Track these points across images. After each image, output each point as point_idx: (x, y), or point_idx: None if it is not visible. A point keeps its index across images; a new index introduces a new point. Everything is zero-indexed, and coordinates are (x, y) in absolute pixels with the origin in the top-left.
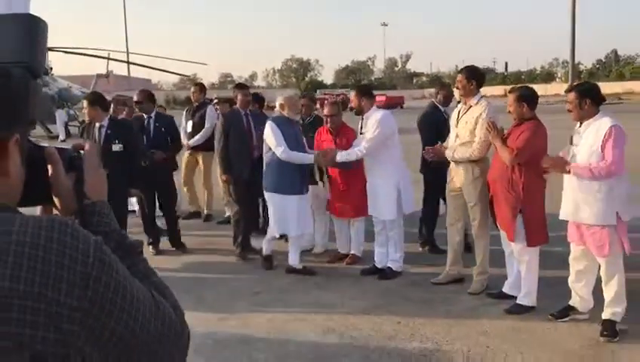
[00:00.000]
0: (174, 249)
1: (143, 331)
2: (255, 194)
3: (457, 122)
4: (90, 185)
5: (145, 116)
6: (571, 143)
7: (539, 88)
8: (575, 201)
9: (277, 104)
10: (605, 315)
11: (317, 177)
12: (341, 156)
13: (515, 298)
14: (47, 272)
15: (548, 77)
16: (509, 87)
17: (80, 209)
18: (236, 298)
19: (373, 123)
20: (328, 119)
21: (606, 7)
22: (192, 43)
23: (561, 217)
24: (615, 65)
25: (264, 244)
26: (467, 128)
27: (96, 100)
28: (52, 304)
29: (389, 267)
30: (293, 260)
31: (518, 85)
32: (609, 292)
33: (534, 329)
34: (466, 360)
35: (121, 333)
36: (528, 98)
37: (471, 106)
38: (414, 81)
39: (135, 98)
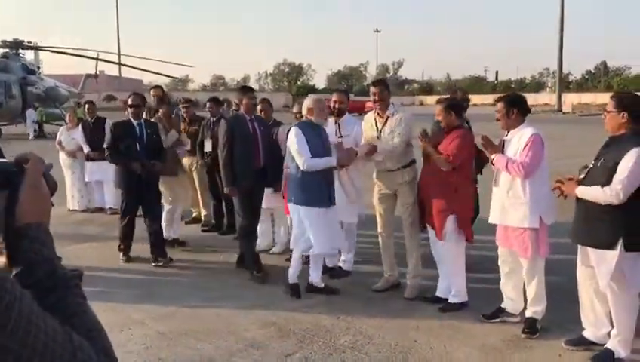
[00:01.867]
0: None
1: None
2: (256, 207)
3: (380, 133)
4: (26, 205)
5: (134, 122)
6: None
7: (528, 97)
8: (502, 206)
9: (304, 108)
10: (528, 314)
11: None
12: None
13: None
14: None
15: (538, 87)
16: (498, 96)
17: (7, 232)
18: (189, 293)
19: (358, 130)
20: (298, 115)
21: (596, 19)
22: (184, 44)
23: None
24: (604, 77)
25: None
26: (393, 135)
27: None
28: None
29: (339, 266)
30: (315, 277)
31: (445, 96)
32: (530, 291)
33: (463, 326)
34: (393, 352)
35: None
36: (455, 107)
37: (388, 117)
38: (405, 87)
39: (131, 101)
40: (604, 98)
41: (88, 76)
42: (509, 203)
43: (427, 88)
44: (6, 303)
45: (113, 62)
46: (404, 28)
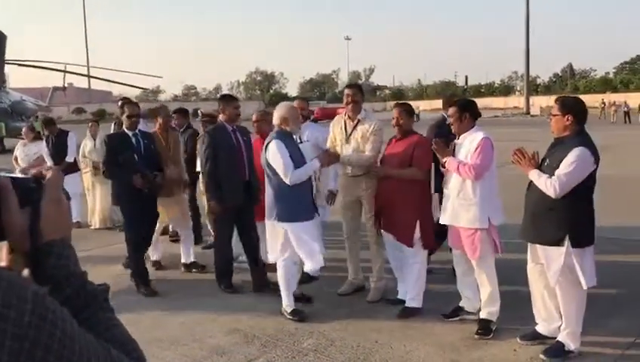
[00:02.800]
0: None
1: None
2: (248, 224)
3: (348, 137)
4: (49, 221)
5: (130, 133)
6: (453, 153)
7: (498, 101)
8: (453, 207)
9: (276, 118)
10: (482, 315)
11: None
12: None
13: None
14: None
15: (507, 90)
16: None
17: (33, 250)
18: (154, 302)
19: (318, 136)
20: (255, 124)
21: (562, 23)
22: (155, 55)
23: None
24: (570, 79)
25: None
26: (364, 141)
27: None
28: None
29: (306, 272)
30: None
31: (401, 102)
32: (484, 292)
33: (423, 326)
34: (355, 353)
35: None
36: (413, 112)
37: (359, 121)
38: (377, 93)
39: (129, 111)
40: None
41: (56, 89)
42: (459, 204)
43: (398, 94)
44: (50, 321)
45: (82, 75)
46: (375, 35)
